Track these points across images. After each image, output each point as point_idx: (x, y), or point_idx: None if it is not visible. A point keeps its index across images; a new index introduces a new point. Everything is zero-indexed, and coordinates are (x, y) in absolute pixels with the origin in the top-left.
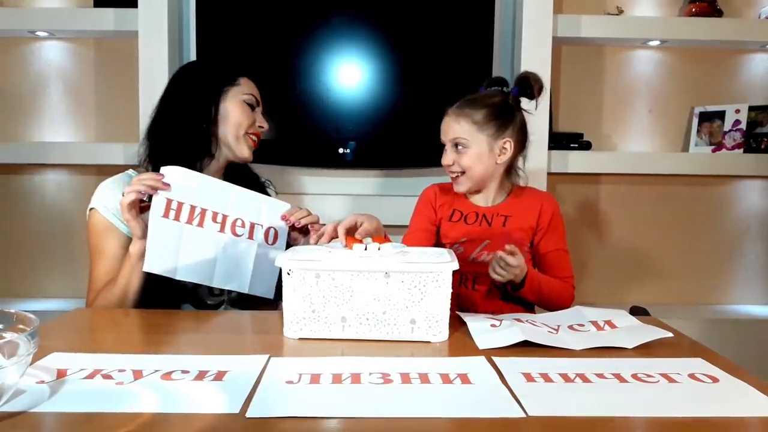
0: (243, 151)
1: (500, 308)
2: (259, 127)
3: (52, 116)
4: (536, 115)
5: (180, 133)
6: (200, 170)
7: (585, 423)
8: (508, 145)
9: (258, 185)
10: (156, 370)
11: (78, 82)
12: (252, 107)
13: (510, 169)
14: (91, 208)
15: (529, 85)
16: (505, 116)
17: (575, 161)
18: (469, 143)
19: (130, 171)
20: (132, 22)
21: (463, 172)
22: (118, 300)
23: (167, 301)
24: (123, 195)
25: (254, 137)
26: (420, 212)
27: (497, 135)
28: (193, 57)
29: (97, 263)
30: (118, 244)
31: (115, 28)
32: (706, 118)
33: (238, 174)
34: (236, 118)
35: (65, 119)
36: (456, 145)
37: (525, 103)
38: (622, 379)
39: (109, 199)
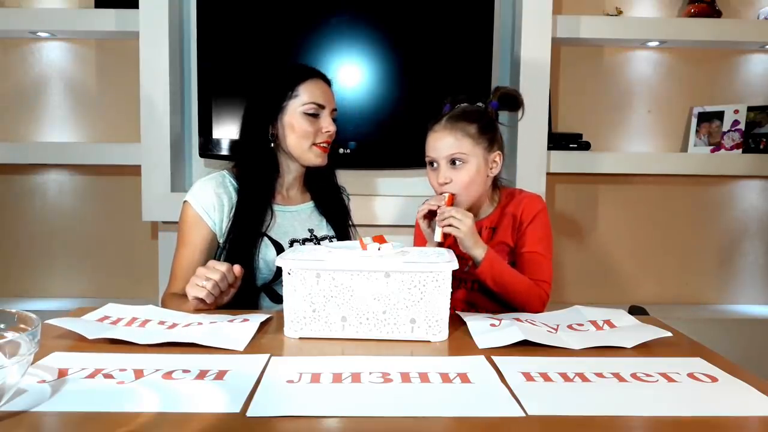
0: (312, 161)
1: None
2: (325, 132)
3: (53, 116)
4: (536, 115)
5: (247, 154)
6: (277, 184)
7: (584, 422)
8: (498, 158)
9: (332, 188)
10: (157, 370)
11: (79, 82)
12: (315, 114)
13: (495, 181)
14: (184, 201)
15: (512, 99)
16: (492, 130)
17: (574, 161)
18: (467, 158)
19: (225, 171)
20: (133, 22)
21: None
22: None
23: (246, 294)
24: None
25: (323, 144)
26: (419, 235)
27: (489, 148)
28: (194, 58)
29: (180, 251)
30: (201, 236)
31: (116, 28)
32: (704, 118)
33: (315, 178)
34: (297, 133)
35: (66, 119)
36: (452, 161)
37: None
38: (621, 379)
39: (201, 194)
